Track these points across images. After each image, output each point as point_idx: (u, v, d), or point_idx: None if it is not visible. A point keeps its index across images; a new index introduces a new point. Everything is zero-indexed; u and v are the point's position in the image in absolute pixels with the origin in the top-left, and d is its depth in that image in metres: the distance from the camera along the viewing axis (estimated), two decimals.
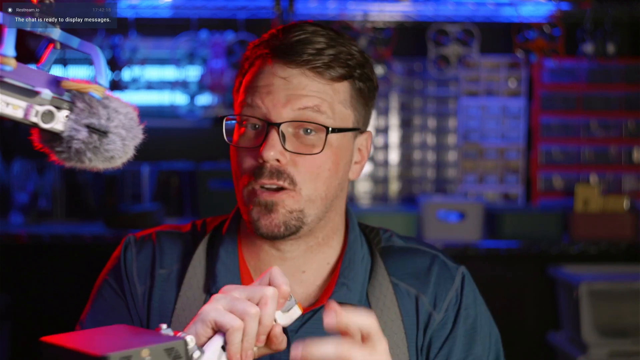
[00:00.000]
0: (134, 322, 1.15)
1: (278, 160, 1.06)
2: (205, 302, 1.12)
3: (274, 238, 1.09)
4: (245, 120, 1.09)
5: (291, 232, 1.09)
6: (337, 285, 1.13)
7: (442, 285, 1.17)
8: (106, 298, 1.17)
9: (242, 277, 1.14)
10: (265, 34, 1.13)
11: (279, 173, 1.06)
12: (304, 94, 1.07)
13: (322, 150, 1.07)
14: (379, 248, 1.20)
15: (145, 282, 1.16)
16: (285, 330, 1.10)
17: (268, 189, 1.07)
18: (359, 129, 1.14)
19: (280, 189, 1.07)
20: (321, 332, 1.11)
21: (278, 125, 1.06)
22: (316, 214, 1.10)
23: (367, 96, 1.14)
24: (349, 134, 1.12)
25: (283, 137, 1.06)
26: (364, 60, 1.12)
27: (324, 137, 1.07)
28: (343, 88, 1.10)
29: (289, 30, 1.10)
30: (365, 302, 1.14)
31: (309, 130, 1.07)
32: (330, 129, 1.08)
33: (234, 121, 1.11)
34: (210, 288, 1.13)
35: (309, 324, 1.12)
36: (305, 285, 1.16)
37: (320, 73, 1.07)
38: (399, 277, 1.17)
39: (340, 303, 0.92)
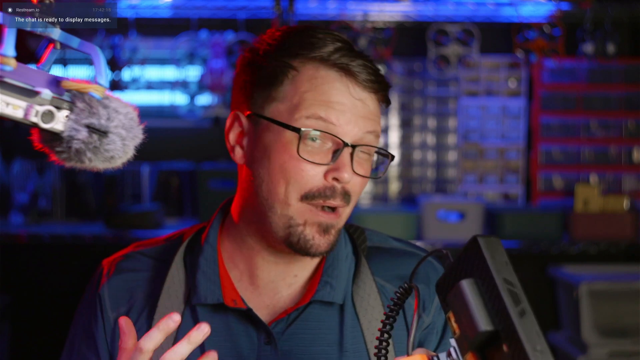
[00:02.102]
0: (106, 351, 1.15)
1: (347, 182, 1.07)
2: (183, 314, 1.12)
3: (319, 256, 1.10)
4: (308, 132, 1.05)
5: (332, 249, 1.11)
6: (321, 284, 1.13)
7: (430, 287, 1.17)
8: (77, 335, 1.18)
9: (222, 286, 1.13)
10: (295, 31, 1.10)
11: (345, 194, 1.07)
12: (372, 119, 1.09)
13: (383, 175, 1.14)
14: (363, 247, 1.21)
15: (118, 309, 1.15)
16: (269, 333, 1.10)
17: (327, 209, 1.08)
18: None
19: (335, 208, 1.08)
20: (307, 330, 1.11)
21: (354, 147, 1.07)
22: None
23: None
24: None
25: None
26: None
27: (377, 162, 1.13)
28: (380, 112, 1.14)
29: (331, 38, 1.08)
30: (350, 301, 1.14)
31: (362, 150, 1.10)
32: (393, 156, 1.14)
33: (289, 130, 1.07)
34: (192, 299, 1.12)
35: (295, 324, 1.12)
36: (294, 287, 1.16)
37: (377, 96, 1.10)
38: (386, 279, 1.17)
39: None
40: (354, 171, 1.07)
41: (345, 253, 1.18)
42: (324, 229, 1.07)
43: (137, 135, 0.82)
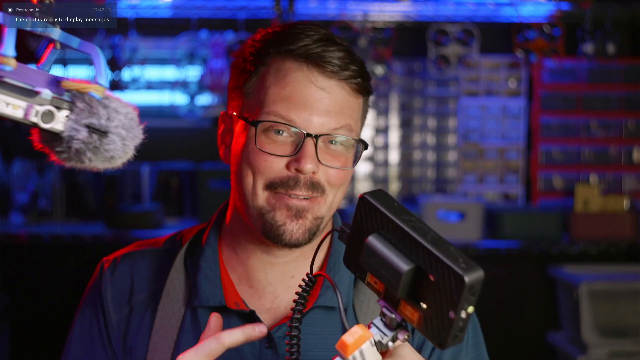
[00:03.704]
0: (108, 351, 1.15)
1: (313, 172, 1.06)
2: (184, 316, 1.12)
3: (293, 246, 1.08)
4: (272, 125, 1.06)
5: (310, 239, 1.09)
6: (323, 288, 1.13)
7: None
8: (80, 335, 1.18)
9: (224, 288, 1.13)
10: (269, 31, 1.11)
11: (313, 185, 1.07)
12: (341, 111, 1.07)
13: (353, 165, 1.11)
14: None
15: (121, 310, 1.16)
16: (271, 337, 1.10)
17: (295, 197, 1.07)
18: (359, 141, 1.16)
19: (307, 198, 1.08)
20: (309, 336, 1.11)
21: (316, 137, 1.06)
22: (328, 219, 1.12)
23: (367, 111, 1.17)
24: None
25: (316, 148, 1.06)
26: (369, 72, 1.14)
27: (354, 152, 1.10)
28: (360, 103, 1.12)
29: (306, 32, 1.08)
30: (351, 305, 1.14)
31: (334, 142, 1.08)
32: (364, 142, 1.11)
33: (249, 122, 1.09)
34: (193, 301, 1.12)
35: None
36: (293, 290, 1.14)
37: (350, 85, 1.08)
38: None
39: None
40: (319, 161, 1.06)
41: None
42: (295, 214, 1.07)
43: (137, 135, 0.82)
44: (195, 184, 3.33)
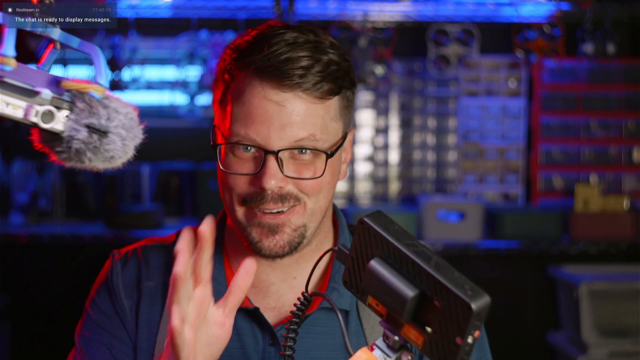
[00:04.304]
0: (124, 338, 1.15)
1: (280, 187, 1.05)
2: None
3: (275, 257, 1.09)
4: (232, 145, 1.06)
5: (294, 249, 1.09)
6: (328, 290, 1.13)
7: None
8: (96, 321, 1.17)
9: (228, 286, 1.14)
10: (241, 40, 1.09)
11: (281, 197, 1.06)
12: (299, 121, 1.04)
13: (322, 174, 1.07)
14: None
15: (132, 296, 1.16)
16: (274, 335, 1.10)
17: (270, 212, 1.06)
18: (347, 133, 1.14)
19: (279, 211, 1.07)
20: (312, 335, 1.11)
21: (276, 153, 1.04)
22: (315, 225, 1.11)
23: (353, 99, 1.13)
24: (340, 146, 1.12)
25: (281, 163, 1.04)
26: (347, 66, 1.10)
27: (324, 162, 1.07)
28: (333, 103, 1.08)
29: (271, 42, 1.04)
30: (354, 307, 1.14)
31: (304, 150, 1.06)
32: (329, 153, 1.07)
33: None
34: None
35: (301, 328, 1.12)
36: (296, 290, 1.15)
37: (312, 93, 1.05)
38: None
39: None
40: (284, 175, 1.05)
41: None
42: (269, 230, 1.07)
43: (137, 135, 0.82)
44: (195, 184, 3.33)
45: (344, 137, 1.12)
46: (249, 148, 1.05)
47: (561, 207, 3.32)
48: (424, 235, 3.17)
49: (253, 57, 1.04)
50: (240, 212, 1.08)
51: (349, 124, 1.14)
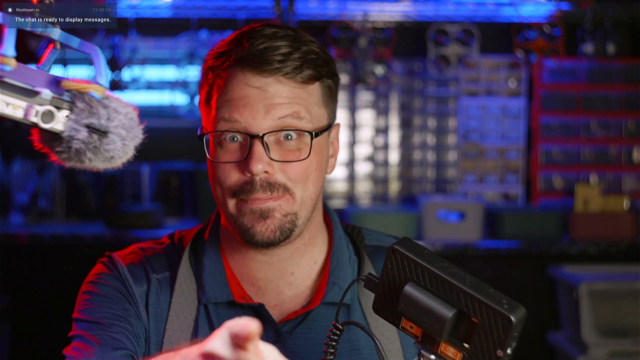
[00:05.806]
0: (137, 317, 1.12)
1: (266, 172, 1.06)
2: (197, 311, 1.12)
3: (269, 245, 1.09)
4: (223, 134, 1.08)
5: (285, 236, 1.09)
6: (329, 285, 1.14)
7: None
8: (103, 291, 1.13)
9: (230, 284, 1.14)
10: (223, 42, 1.12)
11: (270, 185, 1.07)
12: (282, 102, 1.07)
13: (308, 156, 1.08)
14: (363, 245, 1.21)
15: (142, 284, 1.15)
16: (279, 331, 1.11)
17: (260, 200, 1.08)
18: (332, 125, 1.16)
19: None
20: (315, 333, 1.12)
21: (261, 137, 1.06)
22: (306, 215, 1.12)
23: (335, 91, 1.16)
24: (326, 132, 1.13)
25: (267, 147, 1.06)
26: (327, 57, 1.13)
27: (309, 142, 1.08)
28: (315, 89, 1.11)
29: (251, 36, 1.08)
30: (357, 301, 1.15)
31: (289, 136, 1.08)
32: (314, 133, 1.09)
33: (207, 135, 1.10)
34: (201, 298, 1.14)
35: (304, 324, 1.13)
36: (295, 286, 1.16)
37: (293, 77, 1.07)
38: None
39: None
40: (271, 158, 1.06)
41: (347, 255, 1.19)
42: (260, 215, 1.08)
43: (137, 135, 0.82)
44: (195, 184, 3.33)
45: (329, 126, 1.14)
46: (234, 138, 1.07)
47: (561, 207, 3.32)
48: (424, 236, 3.17)
49: (234, 51, 1.07)
50: (231, 204, 1.09)
51: (334, 117, 1.17)
